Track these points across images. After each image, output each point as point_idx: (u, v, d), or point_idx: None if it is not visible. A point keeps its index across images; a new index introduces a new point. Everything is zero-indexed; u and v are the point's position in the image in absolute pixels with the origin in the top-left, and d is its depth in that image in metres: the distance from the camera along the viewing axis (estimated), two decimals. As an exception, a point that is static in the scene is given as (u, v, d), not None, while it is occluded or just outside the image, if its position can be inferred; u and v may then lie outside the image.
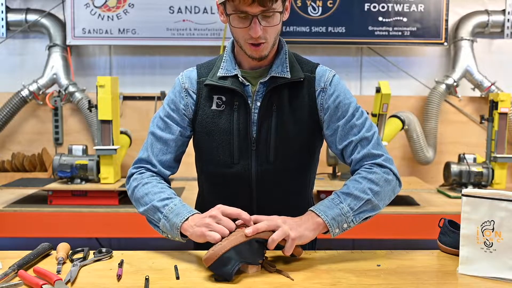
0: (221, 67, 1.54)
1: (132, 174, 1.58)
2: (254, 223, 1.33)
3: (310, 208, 1.42)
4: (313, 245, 1.65)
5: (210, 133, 1.53)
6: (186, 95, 1.57)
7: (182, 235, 1.39)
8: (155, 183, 1.52)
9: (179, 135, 1.57)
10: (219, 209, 1.34)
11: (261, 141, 1.51)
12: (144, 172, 1.56)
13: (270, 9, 1.38)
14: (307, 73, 1.54)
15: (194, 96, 1.56)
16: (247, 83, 1.51)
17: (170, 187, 1.55)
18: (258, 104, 1.51)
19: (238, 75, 1.51)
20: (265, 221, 1.32)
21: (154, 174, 1.56)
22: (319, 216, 1.38)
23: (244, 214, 1.32)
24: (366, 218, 1.45)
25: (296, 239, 1.32)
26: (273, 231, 1.31)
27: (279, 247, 1.33)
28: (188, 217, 1.37)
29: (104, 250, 1.46)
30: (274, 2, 1.37)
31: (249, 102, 1.50)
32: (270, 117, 1.50)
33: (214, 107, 1.53)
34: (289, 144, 1.52)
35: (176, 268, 1.32)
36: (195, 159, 1.66)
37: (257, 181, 1.53)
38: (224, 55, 1.57)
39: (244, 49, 1.47)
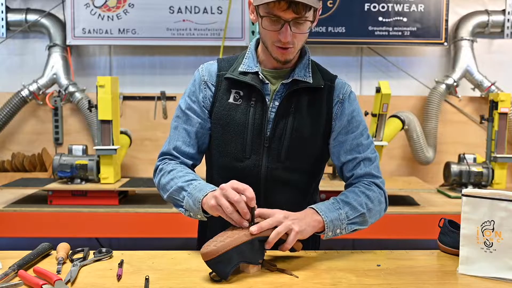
0: (242, 63, 1.57)
1: (157, 167, 1.60)
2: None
3: (311, 206, 1.44)
4: (317, 245, 1.67)
5: (225, 125, 1.55)
6: (205, 87, 1.59)
7: (204, 211, 1.40)
8: (179, 169, 1.54)
9: (200, 128, 1.59)
10: (230, 183, 1.34)
11: (274, 140, 1.53)
12: (169, 162, 1.58)
13: (303, 17, 1.41)
14: (327, 81, 1.57)
15: (213, 89, 1.58)
16: (267, 81, 1.54)
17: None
18: (277, 103, 1.53)
19: (259, 72, 1.53)
20: (268, 219, 1.33)
21: (179, 163, 1.58)
22: (319, 214, 1.40)
23: (249, 192, 1.31)
24: (354, 230, 1.49)
25: (299, 233, 1.34)
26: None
27: (279, 242, 1.34)
28: (208, 193, 1.38)
29: (104, 250, 1.46)
30: (308, 10, 1.40)
31: (266, 100, 1.52)
32: (287, 117, 1.53)
33: (231, 100, 1.55)
34: (302, 146, 1.54)
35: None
36: (205, 154, 1.66)
37: (266, 178, 1.54)
38: (247, 52, 1.59)
39: (270, 50, 1.49)
